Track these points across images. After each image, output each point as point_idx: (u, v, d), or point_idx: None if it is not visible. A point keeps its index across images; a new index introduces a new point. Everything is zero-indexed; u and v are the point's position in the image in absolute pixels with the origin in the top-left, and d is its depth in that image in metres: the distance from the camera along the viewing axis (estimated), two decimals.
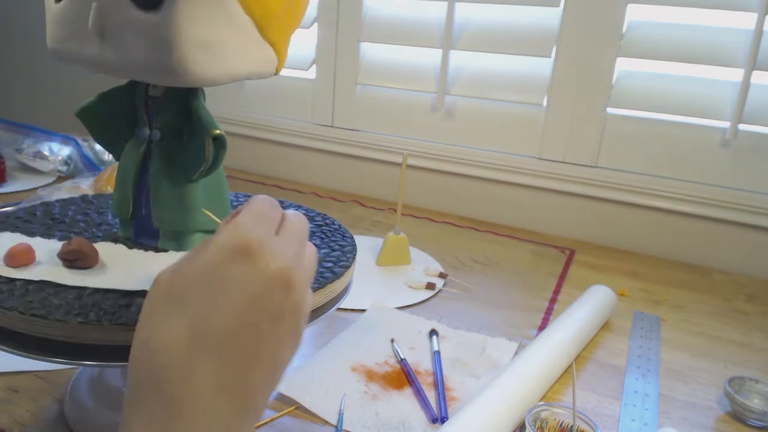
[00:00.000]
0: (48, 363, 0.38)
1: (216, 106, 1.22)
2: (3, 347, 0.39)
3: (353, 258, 0.52)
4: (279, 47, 0.47)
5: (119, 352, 0.38)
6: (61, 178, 1.06)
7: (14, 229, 0.50)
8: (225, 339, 0.28)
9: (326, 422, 0.50)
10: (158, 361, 0.28)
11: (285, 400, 0.52)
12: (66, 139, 1.10)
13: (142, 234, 0.49)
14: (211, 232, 0.48)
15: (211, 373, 0.28)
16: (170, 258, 0.47)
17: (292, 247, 0.32)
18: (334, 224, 0.59)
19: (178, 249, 0.48)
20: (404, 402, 0.53)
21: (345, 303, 0.51)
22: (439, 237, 0.95)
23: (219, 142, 0.44)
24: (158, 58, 0.40)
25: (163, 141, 0.47)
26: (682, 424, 0.54)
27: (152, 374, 0.28)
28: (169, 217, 0.47)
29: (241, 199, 0.63)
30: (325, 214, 0.61)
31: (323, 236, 0.55)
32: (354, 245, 0.54)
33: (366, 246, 0.86)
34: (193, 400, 0.27)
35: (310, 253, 0.34)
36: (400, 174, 0.78)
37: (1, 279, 0.42)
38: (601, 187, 0.97)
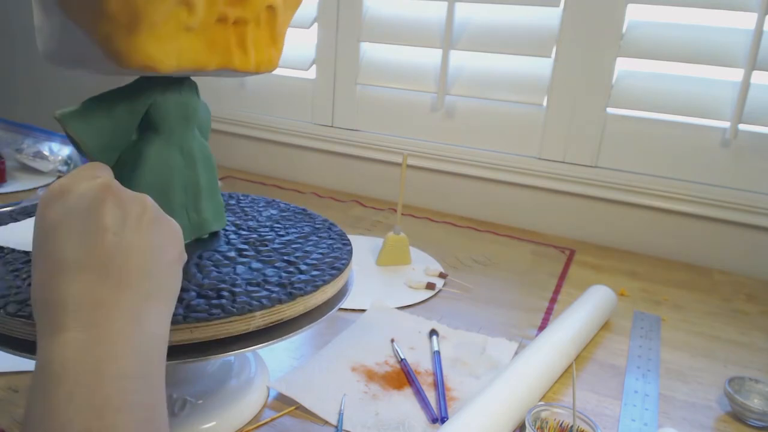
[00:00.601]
0: None
1: (216, 106, 1.22)
2: (3, 347, 0.39)
3: (350, 258, 0.52)
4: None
5: None
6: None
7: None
8: (63, 251, 0.33)
9: (326, 422, 0.50)
10: (31, 292, 0.34)
11: (285, 400, 0.52)
12: (66, 139, 1.09)
13: None
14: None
15: (64, 281, 0.32)
16: None
17: (100, 174, 0.36)
18: (329, 224, 0.59)
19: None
20: (404, 402, 0.53)
21: (345, 303, 0.51)
22: (439, 237, 0.95)
23: (63, 121, 0.45)
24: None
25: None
26: (682, 424, 0.54)
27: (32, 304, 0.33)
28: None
29: (241, 200, 0.63)
30: (320, 215, 0.61)
31: (319, 237, 0.55)
32: (350, 245, 0.54)
33: (366, 246, 0.86)
34: (56, 306, 0.31)
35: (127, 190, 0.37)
36: (400, 174, 0.78)
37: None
38: (601, 187, 0.97)
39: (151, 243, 0.35)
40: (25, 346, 0.38)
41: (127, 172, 0.45)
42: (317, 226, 0.58)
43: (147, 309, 0.33)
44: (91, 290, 0.32)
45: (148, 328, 0.32)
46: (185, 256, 0.38)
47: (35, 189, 0.97)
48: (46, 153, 1.07)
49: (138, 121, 0.45)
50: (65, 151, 1.08)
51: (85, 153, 0.44)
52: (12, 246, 0.47)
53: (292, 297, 0.44)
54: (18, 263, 0.45)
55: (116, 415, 0.28)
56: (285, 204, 0.63)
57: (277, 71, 1.19)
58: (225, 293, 0.42)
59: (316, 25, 1.11)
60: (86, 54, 0.40)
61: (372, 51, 1.09)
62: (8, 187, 1.00)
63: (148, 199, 0.37)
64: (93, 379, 0.29)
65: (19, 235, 0.49)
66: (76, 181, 0.35)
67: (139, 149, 0.45)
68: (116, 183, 0.36)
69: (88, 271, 0.32)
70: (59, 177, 1.06)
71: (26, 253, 0.46)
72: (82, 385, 0.29)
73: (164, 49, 0.40)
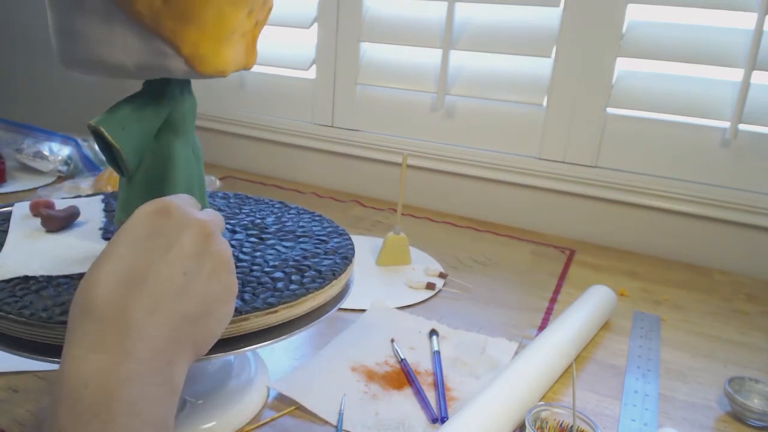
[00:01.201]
0: (48, 363, 0.38)
1: (216, 106, 1.23)
2: (3, 348, 0.39)
3: (351, 258, 0.52)
4: None
5: None
6: (61, 178, 1.06)
7: None
8: (151, 275, 0.32)
9: (326, 422, 0.50)
10: (91, 294, 0.31)
11: (285, 400, 0.52)
12: (66, 139, 1.10)
13: None
14: None
15: (139, 304, 0.31)
16: None
17: (209, 216, 0.37)
18: (331, 224, 0.59)
19: None
20: (404, 402, 0.53)
21: (345, 303, 0.51)
22: (439, 237, 0.95)
23: (95, 132, 0.45)
24: None
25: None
26: (682, 424, 0.54)
27: (85, 304, 0.31)
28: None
29: (243, 199, 0.63)
30: (321, 215, 0.61)
31: (321, 236, 0.55)
32: (352, 245, 0.54)
33: (366, 246, 0.86)
34: (123, 326, 0.30)
35: (225, 241, 0.38)
36: (400, 174, 0.78)
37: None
38: (601, 187, 0.97)
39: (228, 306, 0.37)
40: (25, 346, 0.38)
41: (157, 174, 0.45)
42: (318, 225, 0.58)
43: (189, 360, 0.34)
44: (174, 320, 0.32)
45: (180, 381, 0.33)
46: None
47: (35, 189, 0.97)
48: (46, 153, 1.07)
49: (160, 123, 0.46)
50: (65, 151, 1.08)
51: (120, 158, 0.44)
52: (36, 270, 0.45)
53: (292, 297, 0.44)
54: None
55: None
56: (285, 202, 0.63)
57: (277, 71, 1.19)
58: None
59: (316, 25, 1.11)
60: (109, 58, 0.41)
61: (372, 51, 1.09)
62: (8, 187, 1.00)
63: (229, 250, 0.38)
64: (151, 401, 0.29)
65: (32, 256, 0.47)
66: (212, 223, 0.36)
67: (165, 151, 0.46)
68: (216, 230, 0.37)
69: (174, 313, 0.32)
70: (59, 177, 1.06)
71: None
72: (137, 412, 0.28)
73: (232, 54, 0.43)
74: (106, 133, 0.42)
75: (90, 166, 1.09)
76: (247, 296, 0.43)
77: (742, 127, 0.87)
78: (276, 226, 0.56)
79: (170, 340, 0.32)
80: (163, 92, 0.45)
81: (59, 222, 0.51)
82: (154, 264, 0.32)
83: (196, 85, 0.49)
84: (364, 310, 0.68)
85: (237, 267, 0.47)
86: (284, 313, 0.43)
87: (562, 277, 0.83)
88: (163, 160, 0.46)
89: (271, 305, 0.42)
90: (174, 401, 0.31)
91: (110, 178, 0.91)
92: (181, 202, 0.36)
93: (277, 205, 0.62)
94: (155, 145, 0.46)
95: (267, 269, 0.47)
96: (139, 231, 0.34)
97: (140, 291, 0.31)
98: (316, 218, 0.60)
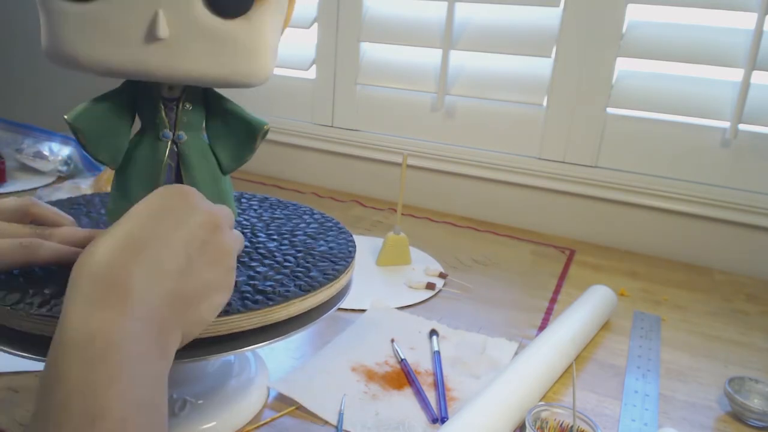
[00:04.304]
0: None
1: None
2: (3, 347, 0.39)
3: (353, 258, 0.52)
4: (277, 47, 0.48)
5: None
6: (61, 178, 1.06)
7: None
8: (156, 247, 0.33)
9: (326, 422, 0.50)
10: (96, 256, 0.32)
11: (285, 400, 0.52)
12: (66, 139, 1.10)
13: None
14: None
15: (142, 271, 0.31)
16: None
17: (221, 210, 0.38)
18: (333, 223, 0.59)
19: None
20: (404, 402, 0.53)
21: (345, 303, 0.51)
22: (439, 237, 0.95)
23: (265, 134, 0.48)
24: (236, 64, 0.42)
25: (193, 140, 0.47)
26: (682, 424, 0.54)
27: (89, 266, 0.31)
28: None
29: (244, 197, 0.63)
30: (324, 213, 0.61)
31: (323, 235, 0.55)
32: (354, 245, 0.54)
33: (366, 246, 0.86)
34: (125, 288, 0.31)
35: (238, 234, 0.40)
36: (400, 174, 0.78)
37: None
38: (601, 187, 0.97)
39: (228, 283, 0.37)
40: (25, 346, 0.38)
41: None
42: (318, 223, 0.58)
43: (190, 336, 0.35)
44: (171, 294, 0.33)
45: (171, 355, 0.33)
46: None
47: (35, 189, 0.97)
48: (46, 153, 1.07)
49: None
50: (65, 151, 1.08)
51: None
52: None
53: (292, 296, 0.44)
54: None
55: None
56: (284, 201, 0.63)
57: (277, 71, 1.19)
58: None
59: (316, 25, 1.11)
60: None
61: (372, 51, 1.09)
62: (8, 187, 1.00)
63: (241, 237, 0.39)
64: (147, 360, 0.30)
65: None
66: (223, 217, 0.38)
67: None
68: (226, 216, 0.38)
69: (178, 282, 0.33)
70: (59, 177, 1.06)
71: None
72: (136, 367, 0.29)
73: None
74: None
75: (90, 166, 1.09)
76: (247, 295, 0.43)
77: (742, 127, 0.87)
78: (277, 224, 0.56)
79: (166, 312, 0.32)
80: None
81: None
82: (161, 239, 0.33)
83: None
84: (364, 310, 0.68)
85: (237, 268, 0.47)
86: (284, 313, 0.43)
87: (562, 277, 0.83)
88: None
89: (271, 304, 0.42)
90: (165, 372, 0.32)
91: (110, 179, 0.91)
92: (198, 193, 0.38)
93: (276, 204, 0.62)
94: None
95: (266, 267, 0.47)
96: (153, 206, 0.35)
97: (143, 259, 0.32)
98: (317, 216, 0.60)
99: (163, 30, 0.40)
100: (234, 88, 0.44)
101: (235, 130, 0.48)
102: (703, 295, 0.82)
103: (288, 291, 0.44)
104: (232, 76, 0.43)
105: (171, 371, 0.33)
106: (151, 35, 0.40)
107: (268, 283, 0.45)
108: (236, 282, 0.44)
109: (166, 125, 0.46)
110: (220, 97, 0.48)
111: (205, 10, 0.40)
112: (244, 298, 0.42)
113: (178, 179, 0.47)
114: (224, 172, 0.50)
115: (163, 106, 0.46)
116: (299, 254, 0.51)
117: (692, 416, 0.55)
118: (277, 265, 0.48)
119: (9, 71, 1.51)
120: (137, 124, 0.48)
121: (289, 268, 0.48)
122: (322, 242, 0.54)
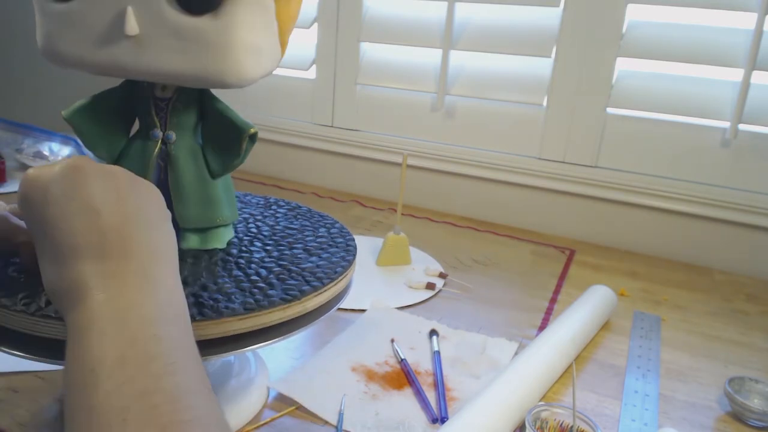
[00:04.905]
0: (48, 363, 0.38)
1: None
2: (3, 348, 0.39)
3: (353, 258, 0.52)
4: (285, 47, 0.48)
5: None
6: None
7: None
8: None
9: (326, 422, 0.50)
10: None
11: (285, 400, 0.52)
12: (66, 139, 1.10)
13: None
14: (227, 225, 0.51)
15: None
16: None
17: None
18: (334, 224, 0.59)
19: (203, 245, 0.49)
20: (404, 402, 0.53)
21: (345, 303, 0.51)
22: (439, 237, 0.95)
23: (253, 139, 0.47)
24: (207, 62, 0.41)
25: (182, 141, 0.47)
26: (682, 424, 0.54)
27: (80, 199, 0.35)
28: (195, 215, 0.48)
29: (247, 198, 0.63)
30: (325, 214, 0.61)
31: (323, 236, 0.55)
32: (354, 245, 0.54)
33: (366, 246, 0.86)
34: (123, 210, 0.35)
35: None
36: (400, 174, 0.78)
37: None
38: (601, 187, 0.97)
39: (137, 208, 0.36)
40: (25, 346, 0.38)
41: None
42: (318, 223, 0.58)
43: (153, 267, 0.35)
44: (101, 267, 0.33)
45: (160, 280, 0.34)
46: (169, 213, 0.39)
47: None
48: (46, 153, 1.07)
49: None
50: (65, 151, 1.08)
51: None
52: None
53: (292, 296, 0.44)
54: None
55: (146, 344, 0.31)
56: (284, 201, 0.63)
57: (277, 71, 1.18)
58: (219, 295, 0.42)
59: (316, 25, 1.11)
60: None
61: (372, 51, 1.09)
62: (8, 187, 1.00)
63: (119, 169, 0.38)
64: (119, 322, 0.31)
65: None
66: (50, 168, 0.36)
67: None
68: (85, 160, 0.37)
69: (93, 252, 0.33)
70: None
71: None
72: (112, 325, 0.31)
73: None
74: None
75: None
76: (247, 295, 0.43)
77: (742, 127, 0.87)
78: (277, 225, 0.56)
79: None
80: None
81: None
82: (79, 228, 0.35)
83: None
84: (364, 310, 0.68)
85: (237, 266, 0.47)
86: (284, 313, 0.43)
87: (562, 277, 0.83)
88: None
89: (271, 304, 0.42)
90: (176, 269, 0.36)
91: None
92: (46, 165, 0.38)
93: (273, 202, 0.62)
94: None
95: (266, 267, 0.47)
96: (38, 214, 0.36)
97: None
98: (317, 216, 0.60)
99: (132, 27, 0.40)
100: (223, 89, 0.43)
101: (223, 133, 0.47)
102: (703, 295, 0.82)
103: (288, 292, 0.44)
104: (204, 74, 0.42)
105: None
106: (122, 32, 0.40)
107: (268, 283, 0.45)
108: (236, 282, 0.44)
109: (156, 125, 0.46)
110: (213, 98, 0.48)
111: (173, 7, 0.40)
112: (245, 299, 0.42)
113: (167, 178, 0.47)
114: (213, 176, 0.49)
115: (154, 106, 0.46)
116: (299, 254, 0.50)
117: (692, 416, 0.55)
118: (278, 268, 0.48)
119: (9, 71, 1.51)
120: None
121: (289, 269, 0.48)
122: (322, 243, 0.54)
